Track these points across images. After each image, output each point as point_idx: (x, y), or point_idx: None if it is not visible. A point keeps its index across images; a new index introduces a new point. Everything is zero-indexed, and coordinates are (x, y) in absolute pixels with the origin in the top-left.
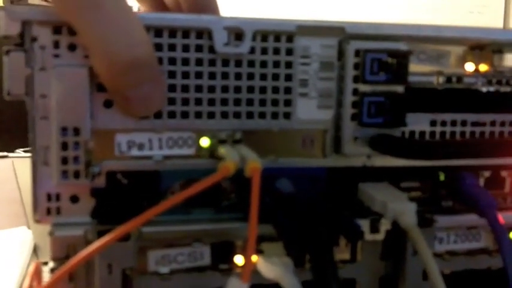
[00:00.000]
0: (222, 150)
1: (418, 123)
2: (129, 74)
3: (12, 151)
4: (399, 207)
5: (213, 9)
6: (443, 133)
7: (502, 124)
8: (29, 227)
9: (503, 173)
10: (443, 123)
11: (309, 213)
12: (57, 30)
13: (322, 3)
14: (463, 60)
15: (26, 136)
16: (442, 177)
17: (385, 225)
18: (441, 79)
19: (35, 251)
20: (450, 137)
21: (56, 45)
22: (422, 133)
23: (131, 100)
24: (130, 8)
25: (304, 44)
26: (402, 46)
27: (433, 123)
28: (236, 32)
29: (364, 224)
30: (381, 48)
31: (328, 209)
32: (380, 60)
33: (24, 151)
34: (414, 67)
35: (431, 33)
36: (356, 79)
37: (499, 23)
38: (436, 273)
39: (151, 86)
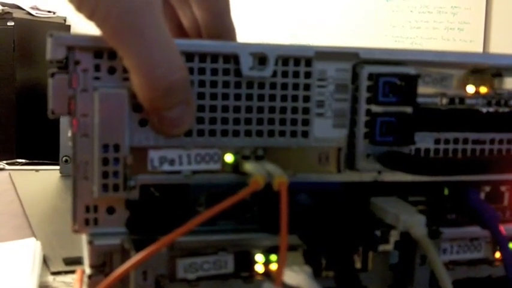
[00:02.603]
0: (249, 166)
1: (423, 141)
2: (166, 96)
3: None
4: (410, 219)
5: (232, 37)
6: (446, 150)
7: (501, 142)
8: (36, 239)
9: (503, 188)
10: (447, 141)
11: (330, 224)
12: (98, 54)
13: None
14: (464, 82)
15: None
16: (446, 191)
17: (394, 237)
18: (445, 100)
19: (45, 261)
20: (452, 154)
21: (97, 68)
22: (427, 150)
23: (165, 120)
24: (170, 35)
25: (321, 67)
26: (411, 70)
27: (437, 141)
28: (260, 56)
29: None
30: (392, 72)
31: (347, 221)
32: (391, 83)
33: (7, 163)
34: (420, 89)
35: (436, 59)
36: (369, 100)
37: (479, 39)
38: (447, 279)
39: (184, 108)
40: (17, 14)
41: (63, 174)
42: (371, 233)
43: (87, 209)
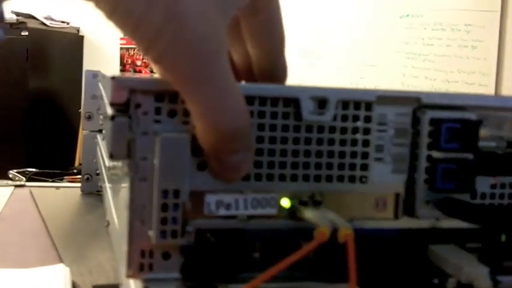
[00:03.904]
0: (309, 214)
1: (479, 185)
2: (230, 142)
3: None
4: (474, 271)
5: (284, 76)
6: (502, 195)
7: None
8: (64, 263)
9: None
10: (503, 186)
11: (389, 273)
12: (159, 98)
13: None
14: None
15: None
16: (503, 238)
17: (451, 284)
18: (502, 144)
19: None
20: (508, 198)
21: (158, 111)
22: (483, 195)
23: (227, 165)
24: (235, 81)
25: (381, 112)
26: (473, 116)
27: (493, 186)
28: (320, 100)
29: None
30: (455, 118)
31: (405, 269)
32: (454, 129)
33: (18, 172)
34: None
35: (498, 104)
36: (430, 146)
37: (493, 58)
38: None
39: (246, 153)
40: (30, 23)
41: (85, 193)
42: (429, 282)
43: (143, 254)
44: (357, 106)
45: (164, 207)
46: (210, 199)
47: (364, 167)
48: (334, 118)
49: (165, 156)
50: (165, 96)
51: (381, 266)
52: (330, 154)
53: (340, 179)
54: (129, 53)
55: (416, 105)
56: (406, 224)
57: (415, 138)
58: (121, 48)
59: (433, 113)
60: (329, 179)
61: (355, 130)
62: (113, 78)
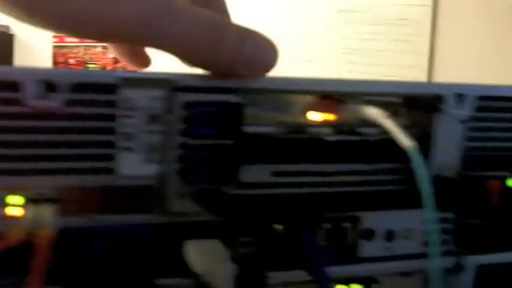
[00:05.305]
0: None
1: (257, 174)
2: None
3: None
4: (216, 271)
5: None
6: (284, 184)
7: (345, 174)
8: None
9: (345, 225)
10: (284, 174)
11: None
12: None
13: None
14: (308, 109)
15: None
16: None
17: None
18: (282, 129)
19: None
20: (292, 187)
21: None
22: (261, 185)
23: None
24: None
25: (128, 96)
26: (233, 98)
27: (273, 174)
28: (47, 83)
29: None
30: (210, 101)
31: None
32: (209, 113)
33: None
34: (255, 117)
35: (268, 85)
36: (184, 133)
37: (425, 50)
38: None
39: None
40: None
41: None
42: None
43: None
44: (96, 89)
45: None
46: None
47: (109, 158)
48: (68, 103)
49: None
50: None
51: (132, 265)
52: (66, 144)
53: (80, 171)
54: (62, 52)
55: (169, 88)
56: (160, 219)
57: (169, 125)
58: (53, 47)
59: (186, 96)
60: (66, 171)
61: (95, 116)
62: None
